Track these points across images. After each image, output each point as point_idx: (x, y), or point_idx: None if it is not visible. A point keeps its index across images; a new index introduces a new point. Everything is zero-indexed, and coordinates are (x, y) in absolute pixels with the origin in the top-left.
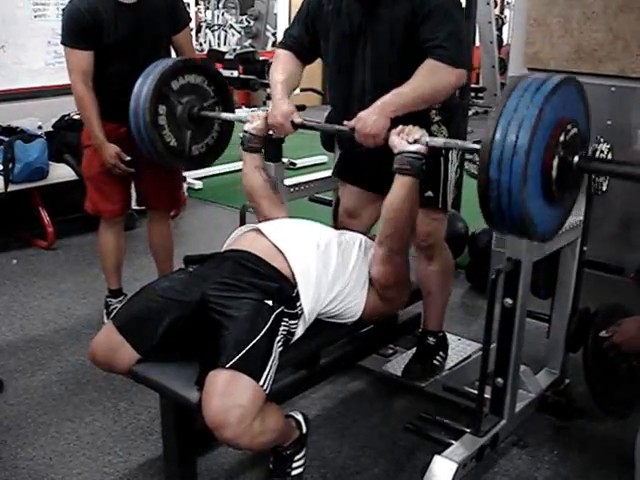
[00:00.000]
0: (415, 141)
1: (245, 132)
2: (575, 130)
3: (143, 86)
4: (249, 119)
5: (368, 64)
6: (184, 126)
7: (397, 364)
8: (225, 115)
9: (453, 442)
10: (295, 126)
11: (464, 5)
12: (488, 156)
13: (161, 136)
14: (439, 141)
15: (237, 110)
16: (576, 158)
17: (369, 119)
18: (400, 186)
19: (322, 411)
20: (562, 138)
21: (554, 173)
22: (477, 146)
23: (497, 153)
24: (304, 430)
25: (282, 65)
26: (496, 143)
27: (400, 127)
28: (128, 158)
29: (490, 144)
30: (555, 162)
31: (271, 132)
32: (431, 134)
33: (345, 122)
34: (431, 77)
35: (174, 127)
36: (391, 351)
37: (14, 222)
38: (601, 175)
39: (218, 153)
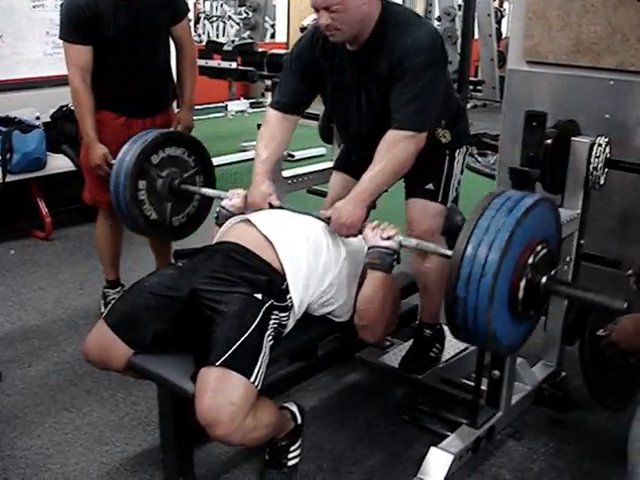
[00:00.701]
0: (388, 237)
1: (222, 207)
2: (545, 250)
3: (123, 161)
4: (229, 196)
5: (365, 116)
6: (164, 199)
7: (394, 356)
8: (204, 190)
9: (449, 434)
10: (273, 208)
11: (461, 4)
12: (457, 274)
13: (141, 211)
14: (412, 242)
15: (236, 102)
16: (544, 279)
17: (344, 209)
18: (371, 280)
19: (319, 402)
20: (531, 260)
21: (521, 294)
22: (448, 252)
23: (465, 272)
24: (299, 421)
25: (269, 134)
26: (465, 261)
27: (375, 222)
28: (113, 161)
29: (459, 262)
30: (522, 283)
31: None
32: (435, 138)
33: (321, 212)
34: (393, 151)
35: (154, 200)
36: (388, 343)
37: (12, 213)
38: (566, 298)
39: (199, 222)
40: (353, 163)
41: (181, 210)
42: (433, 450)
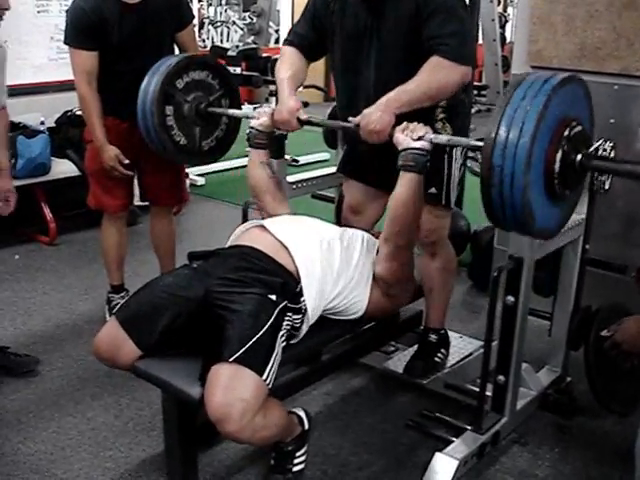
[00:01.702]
0: (419, 138)
1: (251, 128)
2: (579, 128)
3: (148, 87)
4: (255, 115)
5: (374, 62)
6: (192, 123)
7: (399, 361)
8: (232, 111)
9: (454, 439)
10: (301, 122)
11: (467, 3)
12: (493, 142)
13: (170, 136)
14: (443, 138)
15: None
16: (579, 156)
17: (373, 115)
18: (405, 183)
19: (323, 408)
20: (566, 133)
21: (557, 167)
22: (480, 143)
23: (502, 139)
24: (306, 427)
25: (288, 62)
26: (502, 129)
27: (404, 124)
28: (127, 161)
29: (496, 130)
30: (558, 156)
31: (277, 128)
32: (435, 131)
33: (350, 118)
34: (436, 74)
35: (182, 126)
36: (393, 348)
37: (16, 218)
38: (603, 173)
39: (229, 145)
40: (359, 165)
41: (210, 134)
42: (438, 456)
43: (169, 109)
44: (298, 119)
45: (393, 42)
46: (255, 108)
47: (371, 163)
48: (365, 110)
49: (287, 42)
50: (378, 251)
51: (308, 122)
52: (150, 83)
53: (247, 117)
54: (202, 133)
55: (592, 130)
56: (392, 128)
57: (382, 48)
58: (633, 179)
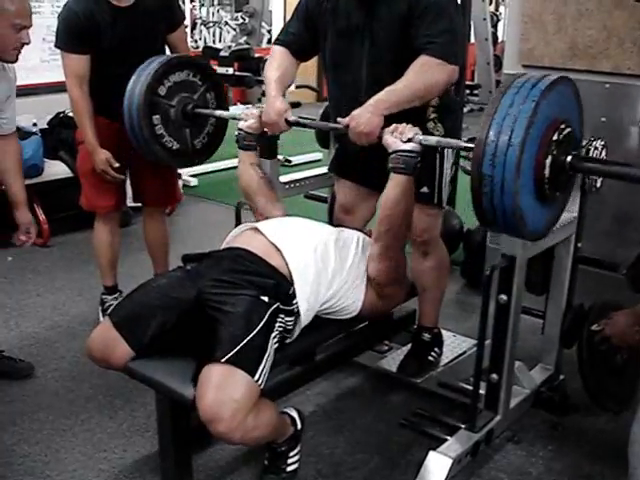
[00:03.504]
0: (409, 140)
1: (240, 130)
2: (568, 130)
3: (132, 101)
4: (243, 117)
5: (365, 61)
6: (182, 126)
7: (392, 360)
8: (219, 113)
9: (448, 438)
10: (289, 124)
11: (459, 2)
12: (482, 151)
13: (162, 145)
14: (432, 140)
15: (231, 108)
16: (569, 158)
17: (362, 117)
18: (395, 185)
19: (317, 407)
20: (555, 137)
21: (547, 172)
22: (471, 145)
23: (491, 148)
24: (299, 427)
25: (277, 62)
26: (490, 138)
27: (393, 126)
28: (117, 165)
29: (484, 139)
30: (548, 161)
31: (266, 129)
32: (427, 131)
33: (339, 119)
34: (424, 73)
35: (172, 131)
36: (386, 347)
37: (9, 219)
38: (593, 175)
39: (221, 138)
40: (349, 164)
41: (200, 131)
42: (432, 454)
43: (156, 118)
44: (286, 120)
45: (385, 41)
46: (248, 108)
47: (362, 162)
48: (354, 111)
49: (277, 42)
50: None
51: (296, 123)
52: (133, 96)
53: (234, 118)
54: (192, 133)
55: (582, 129)
56: (381, 130)
57: (374, 47)
58: (622, 180)
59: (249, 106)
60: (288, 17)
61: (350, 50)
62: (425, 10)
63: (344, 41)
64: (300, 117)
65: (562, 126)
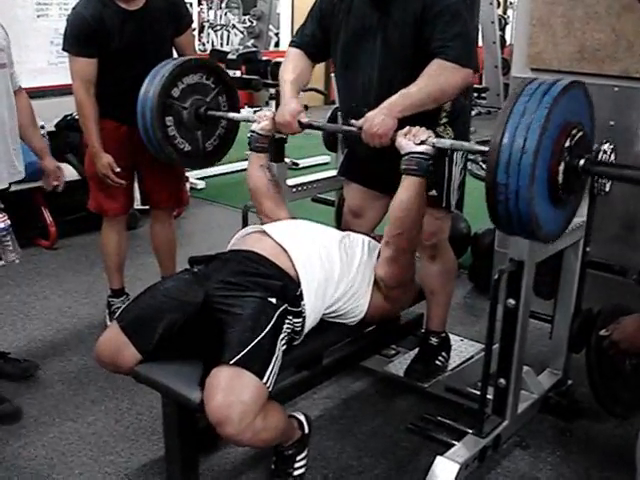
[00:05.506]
0: (422, 142)
1: (253, 132)
2: (581, 134)
3: (146, 102)
4: (256, 119)
5: (377, 62)
6: (194, 128)
7: (399, 365)
8: (232, 115)
9: (455, 443)
10: (302, 126)
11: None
12: (496, 160)
13: (174, 146)
14: (446, 142)
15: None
16: (582, 161)
17: (376, 119)
18: (408, 186)
19: (324, 411)
20: (568, 143)
21: (560, 178)
22: (484, 148)
23: (505, 156)
24: (306, 430)
25: (292, 64)
26: (504, 147)
27: (407, 128)
28: (118, 169)
29: (498, 147)
30: (561, 167)
31: (278, 131)
32: (437, 135)
33: (352, 121)
34: (438, 77)
35: (184, 132)
36: (393, 352)
37: (16, 221)
38: (606, 178)
39: (232, 140)
40: (359, 168)
41: (212, 133)
42: (439, 459)
43: (169, 120)
44: (299, 122)
45: (398, 42)
46: (255, 111)
47: (371, 166)
48: (368, 113)
49: (293, 44)
50: (379, 254)
51: (309, 125)
52: (147, 98)
53: (247, 121)
54: (204, 135)
55: (593, 131)
56: (394, 132)
57: (386, 48)
58: (634, 184)
59: (257, 109)
60: (296, 20)
61: (362, 50)
62: (439, 13)
63: (356, 41)
64: (313, 120)
65: (574, 131)
